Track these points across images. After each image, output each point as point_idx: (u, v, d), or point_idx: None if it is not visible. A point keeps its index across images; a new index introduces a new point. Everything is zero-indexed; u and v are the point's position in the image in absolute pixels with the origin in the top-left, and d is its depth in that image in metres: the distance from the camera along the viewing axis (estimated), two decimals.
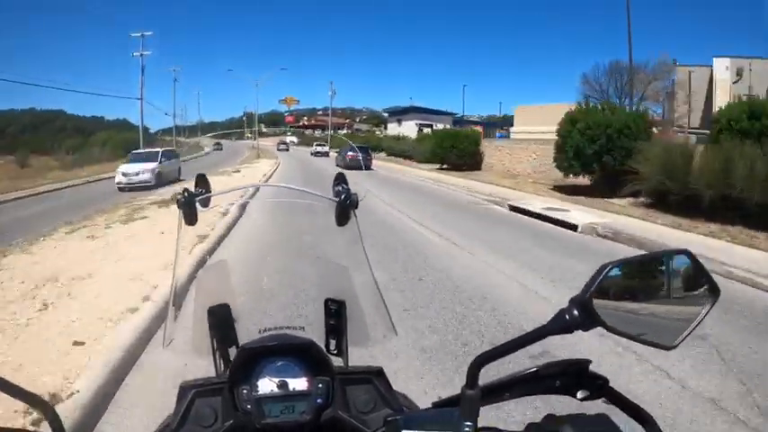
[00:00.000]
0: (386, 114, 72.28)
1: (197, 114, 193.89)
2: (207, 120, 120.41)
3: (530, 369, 0.61)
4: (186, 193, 0.87)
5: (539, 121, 23.80)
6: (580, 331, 0.52)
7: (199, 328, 0.88)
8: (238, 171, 19.48)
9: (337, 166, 20.95)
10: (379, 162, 28.33)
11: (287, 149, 47.82)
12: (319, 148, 38.56)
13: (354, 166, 20.40)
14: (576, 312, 0.51)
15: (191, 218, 0.87)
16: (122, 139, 36.36)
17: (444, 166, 22.79)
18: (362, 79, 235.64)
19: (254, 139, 47.00)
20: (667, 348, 0.55)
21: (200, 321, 0.87)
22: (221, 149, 50.56)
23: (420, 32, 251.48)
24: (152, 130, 58.69)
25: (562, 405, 0.77)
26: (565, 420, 0.57)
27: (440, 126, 59.40)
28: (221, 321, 0.87)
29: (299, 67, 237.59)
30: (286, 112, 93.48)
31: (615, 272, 0.54)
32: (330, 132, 63.83)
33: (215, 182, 1.01)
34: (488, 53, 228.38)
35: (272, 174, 19.12)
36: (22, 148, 35.95)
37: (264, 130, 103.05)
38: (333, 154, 31.94)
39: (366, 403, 0.76)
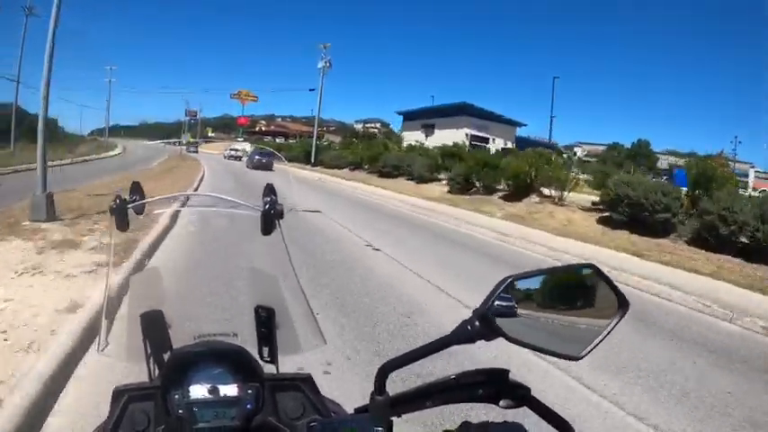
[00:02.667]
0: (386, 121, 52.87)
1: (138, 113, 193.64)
2: (151, 120, 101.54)
3: (449, 377, 0.61)
4: (118, 200, 0.88)
5: None
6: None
7: (132, 334, 0.87)
8: None
9: (247, 167, 22.68)
10: None
11: (196, 152, 45.51)
12: (233, 152, 38.57)
13: (260, 166, 21.61)
14: (477, 323, 0.53)
15: (122, 224, 0.89)
16: None
17: None
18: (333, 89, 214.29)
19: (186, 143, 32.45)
20: (575, 359, 0.57)
21: (133, 327, 0.86)
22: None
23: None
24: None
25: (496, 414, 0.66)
26: (478, 428, 0.57)
27: (499, 141, 37.35)
28: (155, 327, 0.86)
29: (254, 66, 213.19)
30: (240, 116, 73.88)
31: (521, 284, 0.55)
32: (315, 139, 37.45)
33: None
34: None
35: None
36: None
37: (211, 134, 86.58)
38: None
39: (295, 409, 0.76)
